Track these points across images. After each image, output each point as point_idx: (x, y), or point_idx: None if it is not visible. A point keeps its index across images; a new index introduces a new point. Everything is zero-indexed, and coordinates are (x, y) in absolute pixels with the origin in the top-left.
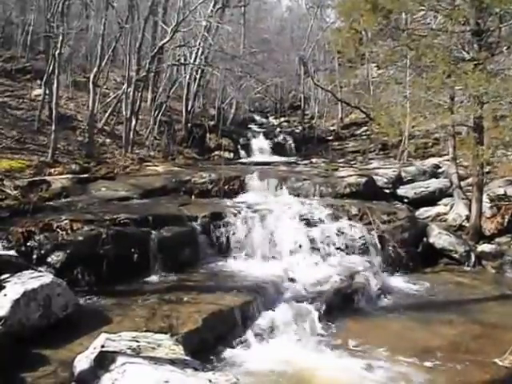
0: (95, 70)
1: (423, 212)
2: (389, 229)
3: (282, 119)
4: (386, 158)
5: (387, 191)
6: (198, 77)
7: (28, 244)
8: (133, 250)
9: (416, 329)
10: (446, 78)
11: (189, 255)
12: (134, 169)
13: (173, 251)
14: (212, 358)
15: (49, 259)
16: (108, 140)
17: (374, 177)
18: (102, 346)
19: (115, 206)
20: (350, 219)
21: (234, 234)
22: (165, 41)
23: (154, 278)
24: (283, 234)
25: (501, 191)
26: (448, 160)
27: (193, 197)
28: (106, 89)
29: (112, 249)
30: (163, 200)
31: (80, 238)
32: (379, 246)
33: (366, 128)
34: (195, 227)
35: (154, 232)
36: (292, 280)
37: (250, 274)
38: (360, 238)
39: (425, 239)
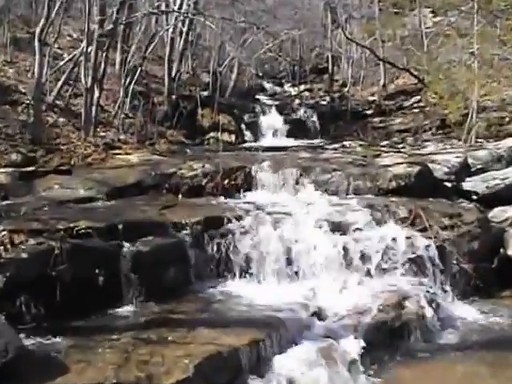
0: (42, 22)
1: (499, 213)
2: (451, 237)
3: (303, 87)
4: (447, 140)
5: (448, 185)
6: (185, 30)
7: None
8: (97, 270)
9: (489, 376)
10: None
11: (175, 277)
12: (99, 158)
13: (153, 272)
14: None
15: None
16: (62, 119)
17: (430, 165)
18: None
19: (72, 210)
20: (397, 224)
21: (237, 246)
22: None
23: (127, 310)
24: (305, 246)
25: None
26: None
27: (180, 196)
28: (59, 48)
29: (68, 270)
30: (139, 201)
31: (24, 256)
32: (438, 260)
33: (418, 98)
34: (184, 238)
35: (126, 246)
36: (318, 310)
37: (259, 303)
38: (411, 250)
39: (502, 251)
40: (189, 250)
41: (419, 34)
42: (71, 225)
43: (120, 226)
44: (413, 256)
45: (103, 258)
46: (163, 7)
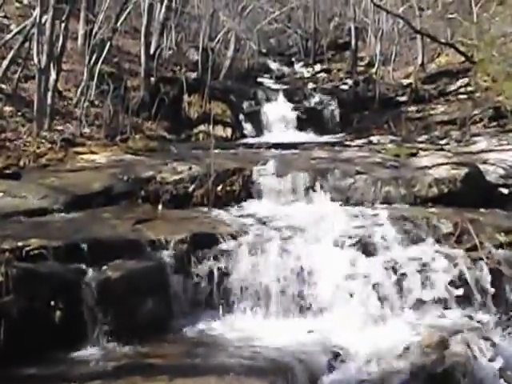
0: None
1: None
2: (509, 258)
3: (318, 68)
4: (502, 134)
5: (505, 191)
6: None
7: None
8: (53, 302)
9: None
10: None
11: (153, 311)
12: (55, 159)
13: (124, 304)
14: None
15: None
16: (8, 108)
17: (481, 167)
18: None
19: (21, 225)
20: (438, 242)
21: (233, 271)
22: None
23: (91, 352)
24: (320, 270)
25: None
26: None
27: (160, 207)
28: (5, 17)
29: (15, 302)
30: (107, 213)
31: None
32: (491, 288)
33: (465, 81)
34: (164, 261)
35: (90, 271)
36: (337, 352)
37: (262, 343)
38: (456, 274)
39: None
40: (171, 276)
41: None
42: (20, 244)
43: (83, 246)
44: (459, 282)
45: (61, 286)
46: None
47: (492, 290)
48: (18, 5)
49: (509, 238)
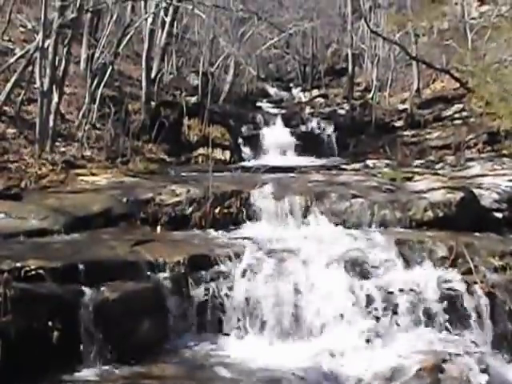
0: None
1: None
2: (503, 282)
3: (316, 93)
4: (497, 158)
5: (499, 215)
6: (168, 20)
7: None
8: (51, 323)
9: None
10: None
11: (150, 332)
12: (56, 180)
13: (121, 326)
14: None
15: None
16: (11, 130)
17: (476, 191)
18: None
19: (21, 245)
20: (433, 265)
21: (229, 294)
22: None
23: (88, 374)
24: (317, 293)
25: None
26: None
27: (158, 228)
28: (9, 41)
29: (13, 322)
30: (106, 235)
31: None
32: (486, 312)
33: (460, 106)
34: (162, 283)
35: (88, 292)
36: (333, 376)
37: (258, 366)
38: (452, 298)
39: None
40: (168, 297)
41: (462, 26)
42: (18, 264)
43: (81, 267)
44: (454, 306)
45: (58, 307)
46: None
47: (486, 313)
48: (22, 29)
49: (503, 261)
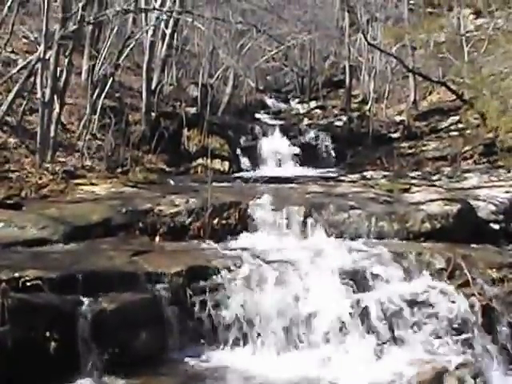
0: None
1: None
2: (501, 294)
3: (313, 104)
4: (493, 170)
5: (496, 227)
6: (168, 33)
7: None
8: (48, 334)
9: None
10: None
11: (148, 343)
12: (57, 190)
13: (119, 336)
14: None
15: None
16: (12, 140)
17: (473, 203)
18: None
19: (20, 255)
20: (431, 277)
21: (228, 305)
22: None
23: None
24: (314, 306)
25: None
26: None
27: (157, 239)
28: (12, 52)
29: (10, 332)
30: (105, 245)
31: None
32: (484, 324)
33: (456, 118)
34: (160, 294)
35: (85, 302)
36: None
37: (256, 378)
38: (449, 310)
39: None
40: (166, 308)
41: (459, 39)
42: (16, 274)
43: (79, 277)
44: (452, 318)
45: (56, 317)
46: (142, 4)
47: (484, 326)
48: (24, 40)
49: (500, 273)
